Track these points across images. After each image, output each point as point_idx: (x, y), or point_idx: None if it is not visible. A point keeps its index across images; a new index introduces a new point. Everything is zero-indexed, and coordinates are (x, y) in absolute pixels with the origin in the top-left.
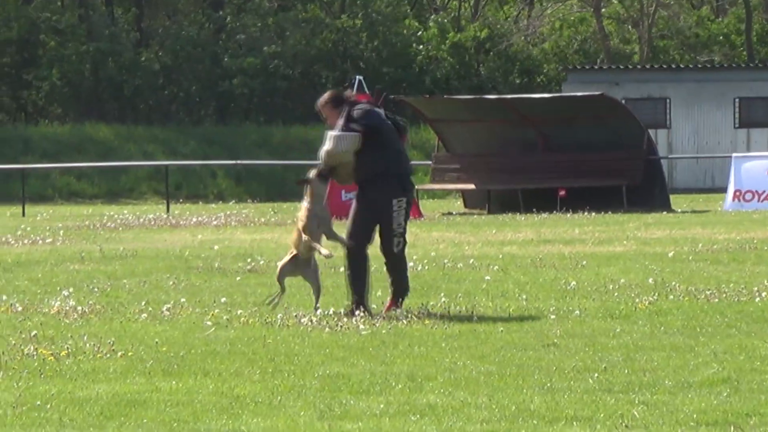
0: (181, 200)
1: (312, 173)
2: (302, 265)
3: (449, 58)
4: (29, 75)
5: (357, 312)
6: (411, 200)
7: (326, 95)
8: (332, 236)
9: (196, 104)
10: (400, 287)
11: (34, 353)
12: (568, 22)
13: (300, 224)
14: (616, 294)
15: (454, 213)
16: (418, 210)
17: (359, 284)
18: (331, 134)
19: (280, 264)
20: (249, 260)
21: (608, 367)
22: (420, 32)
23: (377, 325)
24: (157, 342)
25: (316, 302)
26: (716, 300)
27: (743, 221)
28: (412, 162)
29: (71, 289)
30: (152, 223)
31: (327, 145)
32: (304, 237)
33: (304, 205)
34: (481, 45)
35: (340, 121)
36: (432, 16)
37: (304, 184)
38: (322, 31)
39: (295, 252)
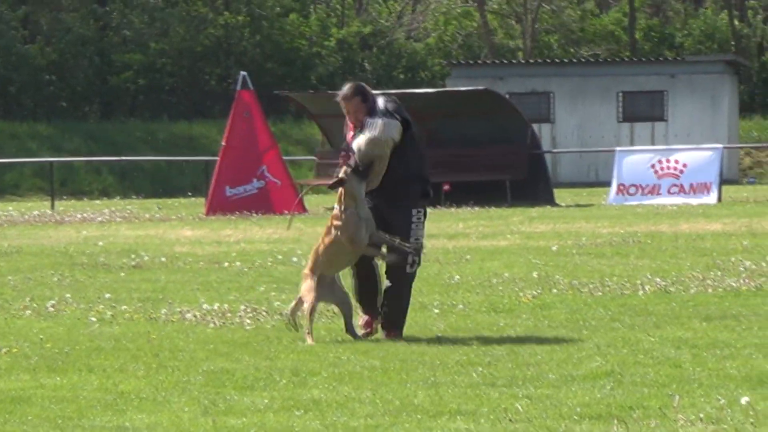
0: (65, 197)
1: (343, 171)
2: (330, 285)
3: (333, 54)
4: None
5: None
6: (426, 212)
7: (351, 87)
8: (382, 240)
9: (82, 100)
10: (393, 314)
11: None
12: (452, 16)
13: (343, 235)
14: (500, 288)
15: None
16: (302, 205)
17: (372, 300)
18: (373, 121)
19: (309, 298)
20: (133, 256)
21: (492, 361)
22: (302, 27)
23: (261, 320)
24: (41, 338)
25: (349, 323)
26: (600, 293)
27: (626, 215)
28: (296, 157)
29: None
30: (37, 219)
31: (372, 132)
32: (356, 247)
33: (337, 211)
34: (365, 41)
35: (368, 117)
36: (314, 15)
37: (338, 186)
38: (207, 27)
39: (314, 274)
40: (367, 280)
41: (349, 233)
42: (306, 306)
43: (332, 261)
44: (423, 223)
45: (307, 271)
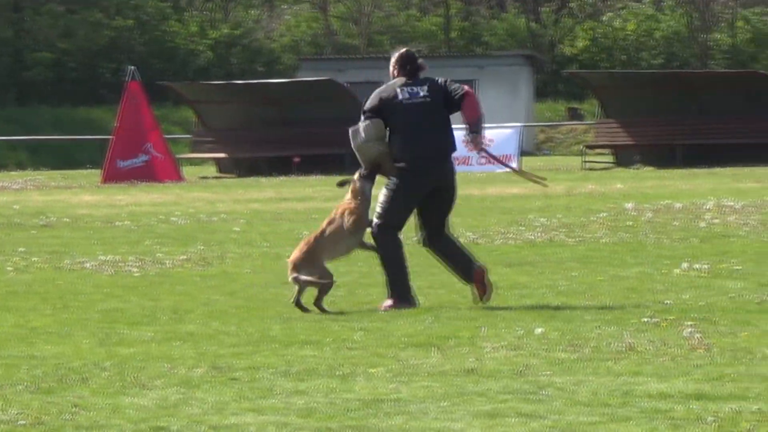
0: None
1: (357, 175)
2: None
3: (207, 51)
4: None
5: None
6: (418, 185)
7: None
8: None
9: (1, 90)
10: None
11: None
12: (302, 20)
13: (351, 227)
14: None
15: (209, 177)
16: (179, 174)
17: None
18: (352, 129)
19: (328, 279)
20: (42, 217)
21: (334, 300)
22: (182, 30)
23: (147, 268)
24: None
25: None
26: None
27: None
28: (175, 136)
29: None
30: None
31: (352, 142)
32: (353, 241)
33: (351, 203)
34: (232, 40)
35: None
36: (191, 20)
37: (345, 185)
38: (102, 29)
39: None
40: (450, 251)
41: (355, 227)
42: (327, 285)
43: (334, 248)
44: (393, 192)
45: (293, 259)
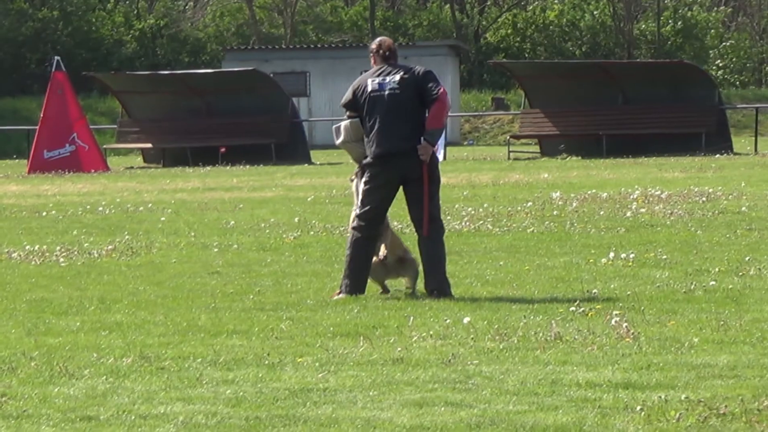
0: None
1: (352, 174)
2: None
3: (133, 41)
4: None
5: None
6: (385, 177)
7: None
8: None
9: None
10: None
11: None
12: (227, 10)
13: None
14: (267, 231)
15: (135, 167)
16: (105, 164)
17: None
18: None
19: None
20: None
21: (261, 290)
22: (106, 20)
23: (73, 258)
24: None
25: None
26: (348, 234)
27: None
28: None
29: None
30: None
31: (336, 140)
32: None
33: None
34: (158, 31)
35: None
36: (117, 10)
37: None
38: (27, 20)
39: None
40: (424, 253)
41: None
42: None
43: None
44: (370, 184)
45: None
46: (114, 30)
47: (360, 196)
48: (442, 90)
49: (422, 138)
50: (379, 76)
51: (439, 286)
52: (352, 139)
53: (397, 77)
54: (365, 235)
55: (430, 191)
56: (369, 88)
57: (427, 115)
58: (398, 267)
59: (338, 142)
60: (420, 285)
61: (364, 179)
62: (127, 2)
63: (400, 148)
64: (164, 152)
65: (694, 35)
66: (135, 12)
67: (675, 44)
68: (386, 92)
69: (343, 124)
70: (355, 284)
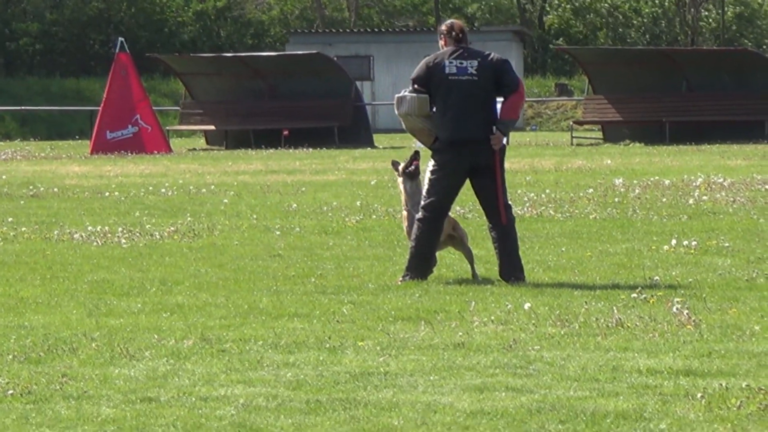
0: None
1: (399, 169)
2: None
3: (194, 23)
4: None
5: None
6: (455, 165)
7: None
8: None
9: None
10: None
11: None
12: None
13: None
14: (329, 214)
15: (197, 149)
16: (167, 146)
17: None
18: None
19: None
20: (31, 187)
21: (323, 273)
22: (170, 1)
23: (135, 239)
24: None
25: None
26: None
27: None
28: (164, 108)
29: None
30: None
31: (397, 110)
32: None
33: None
34: (220, 12)
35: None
36: None
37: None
38: (91, 1)
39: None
40: (498, 242)
41: (405, 223)
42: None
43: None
44: (435, 177)
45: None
46: (177, 12)
47: (426, 186)
48: (520, 82)
49: (495, 127)
50: (456, 58)
51: (517, 273)
52: (414, 113)
53: (475, 63)
54: (431, 227)
55: (501, 179)
56: (447, 71)
57: (499, 103)
58: (448, 242)
59: (400, 111)
60: (482, 270)
61: (430, 168)
62: None
63: (474, 136)
64: (227, 134)
65: (755, 22)
66: None
67: (737, 31)
68: (465, 78)
69: (409, 95)
70: (419, 271)
